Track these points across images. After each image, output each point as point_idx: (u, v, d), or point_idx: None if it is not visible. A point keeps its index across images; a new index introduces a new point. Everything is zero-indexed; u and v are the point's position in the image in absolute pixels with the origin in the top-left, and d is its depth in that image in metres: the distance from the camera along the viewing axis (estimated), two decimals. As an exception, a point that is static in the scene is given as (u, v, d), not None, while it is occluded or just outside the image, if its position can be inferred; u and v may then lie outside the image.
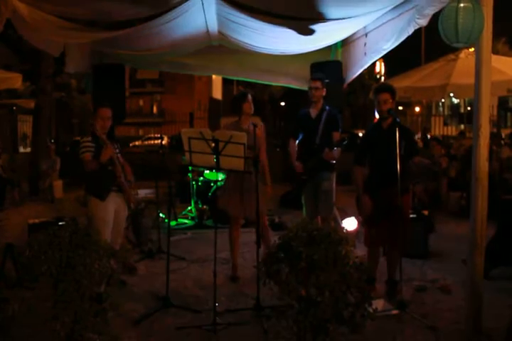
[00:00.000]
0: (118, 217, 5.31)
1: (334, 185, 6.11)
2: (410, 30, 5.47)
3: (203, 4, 5.74)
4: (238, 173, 5.34)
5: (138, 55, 7.71)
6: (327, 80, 6.11)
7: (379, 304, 4.46)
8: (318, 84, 5.92)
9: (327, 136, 5.86)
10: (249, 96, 5.85)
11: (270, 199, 5.88)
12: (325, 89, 5.96)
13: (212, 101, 47.90)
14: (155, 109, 48.51)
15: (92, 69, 7.81)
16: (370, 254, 5.25)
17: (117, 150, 5.35)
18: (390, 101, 5.08)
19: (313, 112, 5.99)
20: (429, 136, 16.30)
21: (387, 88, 5.23)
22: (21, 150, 18.77)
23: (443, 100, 33.31)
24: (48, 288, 3.48)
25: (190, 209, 9.27)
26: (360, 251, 5.42)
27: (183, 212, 9.31)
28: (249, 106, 5.80)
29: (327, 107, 5.95)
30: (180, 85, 45.07)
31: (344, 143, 5.66)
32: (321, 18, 5.91)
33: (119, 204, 5.30)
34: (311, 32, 6.27)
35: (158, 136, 27.36)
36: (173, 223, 8.46)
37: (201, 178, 9.34)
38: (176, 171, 10.56)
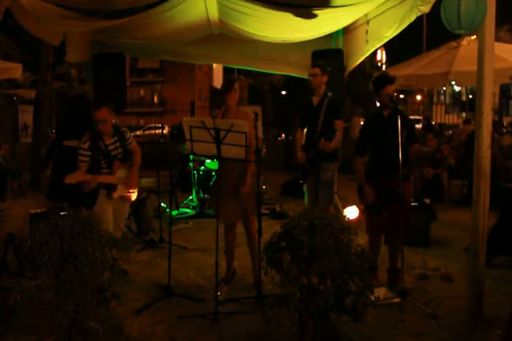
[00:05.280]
0: (117, 214, 5.30)
1: (335, 175, 6.07)
2: (412, 18, 5.42)
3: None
4: (223, 169, 5.22)
5: (138, 43, 7.66)
6: (328, 68, 6.06)
7: (380, 292, 4.46)
8: (316, 70, 5.85)
9: (328, 125, 5.77)
10: (236, 85, 5.28)
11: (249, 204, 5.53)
12: (326, 76, 5.91)
13: (213, 90, 47.81)
14: (156, 99, 48.42)
15: (93, 58, 7.77)
16: (372, 242, 5.25)
17: (119, 149, 5.27)
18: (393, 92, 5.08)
19: (315, 100, 5.94)
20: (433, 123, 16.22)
21: (394, 79, 5.18)
22: (22, 140, 18.76)
23: (444, 88, 33.22)
24: (49, 278, 3.48)
25: (192, 199, 9.27)
26: (362, 239, 5.42)
27: (185, 202, 9.30)
28: (233, 97, 5.24)
29: (329, 94, 5.89)
30: (181, 74, 44.95)
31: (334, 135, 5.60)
32: (321, 6, 5.86)
33: (116, 202, 5.28)
34: (312, 19, 6.22)
35: (159, 125, 27.32)
36: (174, 212, 8.47)
37: (202, 167, 9.33)
38: (177, 160, 10.56)
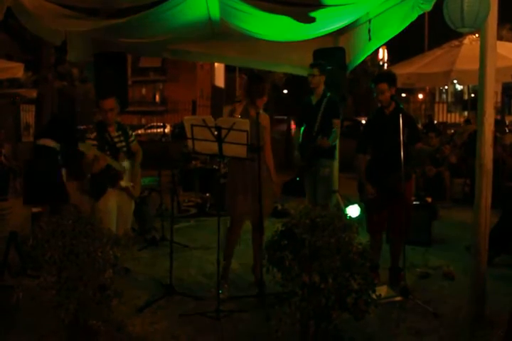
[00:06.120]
0: (122, 210, 5.30)
1: (335, 172, 6.11)
2: (414, 16, 5.41)
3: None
4: (239, 166, 5.09)
5: (140, 42, 7.66)
6: (329, 67, 6.09)
7: (382, 291, 4.46)
8: (314, 71, 5.95)
9: (326, 123, 5.86)
10: (267, 88, 5.22)
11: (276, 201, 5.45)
12: (324, 76, 5.97)
13: (215, 89, 47.83)
14: (157, 98, 48.43)
15: (94, 57, 7.76)
16: (373, 241, 5.25)
17: (123, 143, 5.30)
18: (388, 90, 5.05)
19: (314, 99, 6.01)
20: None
21: (383, 78, 5.17)
22: (24, 139, 18.75)
23: (446, 87, 33.18)
24: (51, 276, 3.49)
25: (193, 197, 9.25)
26: (364, 237, 5.41)
27: (186, 200, 9.29)
28: (263, 101, 5.13)
29: (328, 94, 5.96)
30: (182, 73, 44.99)
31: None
32: (323, 4, 5.85)
33: (121, 198, 5.29)
34: (313, 18, 6.22)
35: (161, 124, 27.31)
36: (176, 211, 8.45)
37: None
38: (179, 159, 10.55)
